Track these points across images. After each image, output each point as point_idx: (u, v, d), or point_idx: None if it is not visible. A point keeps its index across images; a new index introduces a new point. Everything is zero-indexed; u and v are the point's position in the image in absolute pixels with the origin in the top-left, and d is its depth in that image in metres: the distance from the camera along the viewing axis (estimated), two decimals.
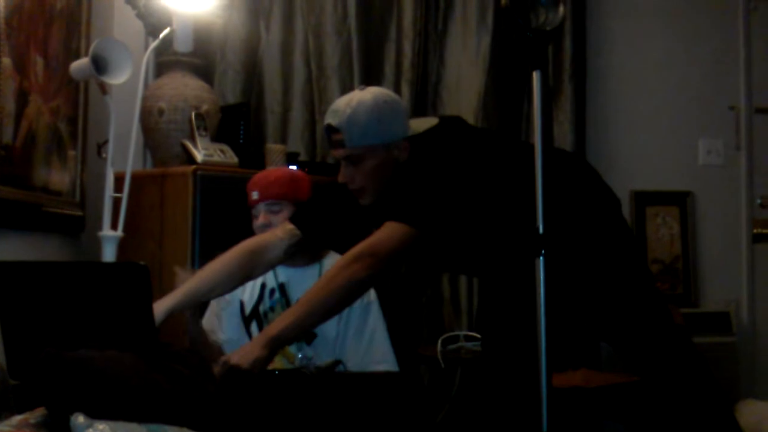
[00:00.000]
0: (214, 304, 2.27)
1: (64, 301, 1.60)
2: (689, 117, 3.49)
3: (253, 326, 2.23)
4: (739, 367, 3.31)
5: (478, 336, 2.87)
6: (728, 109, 3.49)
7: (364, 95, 1.88)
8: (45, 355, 1.42)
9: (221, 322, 2.25)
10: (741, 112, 3.49)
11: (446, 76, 3.31)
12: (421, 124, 1.98)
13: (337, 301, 1.79)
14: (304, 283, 2.14)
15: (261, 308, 2.23)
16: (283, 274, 2.22)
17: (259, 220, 2.20)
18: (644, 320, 1.94)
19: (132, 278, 1.59)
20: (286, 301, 2.20)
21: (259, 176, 2.28)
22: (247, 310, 2.24)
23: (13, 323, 1.63)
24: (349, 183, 1.92)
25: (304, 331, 2.00)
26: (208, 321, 2.25)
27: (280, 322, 1.77)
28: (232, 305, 2.25)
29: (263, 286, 2.24)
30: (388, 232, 1.79)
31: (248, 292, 2.24)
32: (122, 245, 2.33)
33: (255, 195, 2.21)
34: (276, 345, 1.75)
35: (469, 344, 2.87)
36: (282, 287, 2.22)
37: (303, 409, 1.75)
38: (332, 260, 2.22)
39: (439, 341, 2.82)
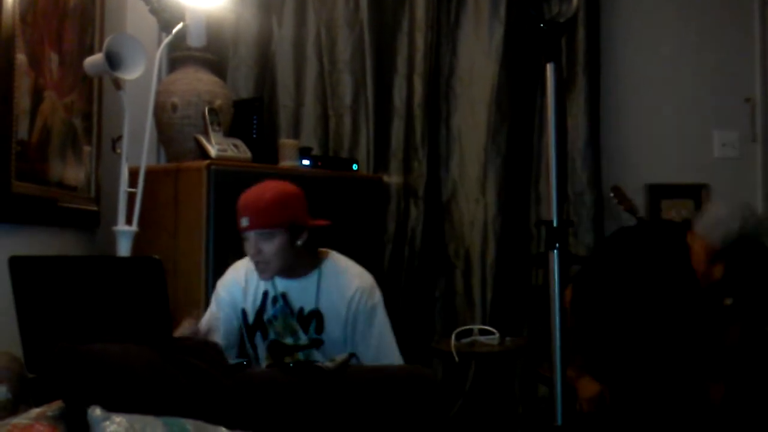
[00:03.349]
0: (213, 307, 2.20)
1: (79, 295, 1.61)
2: (704, 109, 3.45)
3: (257, 336, 2.18)
4: None
5: (492, 330, 2.88)
6: (744, 100, 3.46)
7: None
8: (59, 349, 1.43)
9: (218, 331, 2.11)
10: (756, 104, 3.46)
11: (459, 69, 3.30)
12: None
13: None
14: (305, 291, 2.13)
15: (264, 316, 2.18)
16: (282, 284, 2.14)
17: (250, 250, 2.04)
18: None
19: (147, 272, 1.60)
20: (290, 311, 2.15)
21: (249, 198, 2.05)
22: (251, 318, 2.18)
23: (30, 317, 1.64)
24: None
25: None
26: (207, 321, 2.12)
27: None
28: (234, 311, 2.18)
29: (265, 293, 2.17)
30: None
31: (250, 300, 2.18)
32: (137, 240, 2.34)
33: (244, 222, 2.02)
34: None
35: (482, 338, 2.86)
36: (284, 296, 2.15)
37: (317, 402, 1.75)
38: (331, 264, 2.16)
39: (453, 335, 2.82)
